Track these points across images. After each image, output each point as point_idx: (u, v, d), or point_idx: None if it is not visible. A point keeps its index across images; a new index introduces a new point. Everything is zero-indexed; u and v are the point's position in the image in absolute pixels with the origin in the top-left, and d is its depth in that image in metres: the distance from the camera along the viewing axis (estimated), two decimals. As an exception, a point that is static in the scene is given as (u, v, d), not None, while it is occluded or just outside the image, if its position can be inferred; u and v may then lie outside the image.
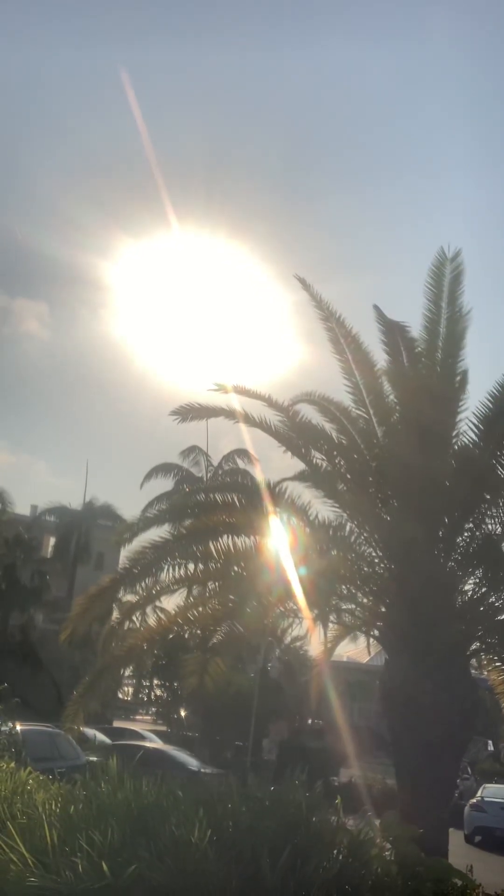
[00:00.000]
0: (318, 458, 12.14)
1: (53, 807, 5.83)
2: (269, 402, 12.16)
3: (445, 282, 12.01)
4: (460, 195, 78.54)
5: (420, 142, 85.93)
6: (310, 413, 12.37)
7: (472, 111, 74.83)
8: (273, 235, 78.12)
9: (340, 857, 5.35)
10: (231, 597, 11.00)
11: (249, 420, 12.11)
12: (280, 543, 11.25)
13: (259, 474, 13.69)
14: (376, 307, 11.89)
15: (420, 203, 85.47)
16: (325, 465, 12.12)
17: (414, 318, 12.24)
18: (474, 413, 11.53)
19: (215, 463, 37.00)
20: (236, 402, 12.28)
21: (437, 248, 12.09)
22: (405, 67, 73.70)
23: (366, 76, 70.70)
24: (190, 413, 12.57)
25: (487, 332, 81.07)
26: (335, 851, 5.38)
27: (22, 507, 46.09)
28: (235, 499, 12.08)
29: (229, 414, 12.31)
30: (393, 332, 11.75)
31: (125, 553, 12.52)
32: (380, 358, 12.11)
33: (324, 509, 12.08)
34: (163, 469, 36.58)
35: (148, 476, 36.15)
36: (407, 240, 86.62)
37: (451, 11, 65.45)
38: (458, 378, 11.91)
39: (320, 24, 69.77)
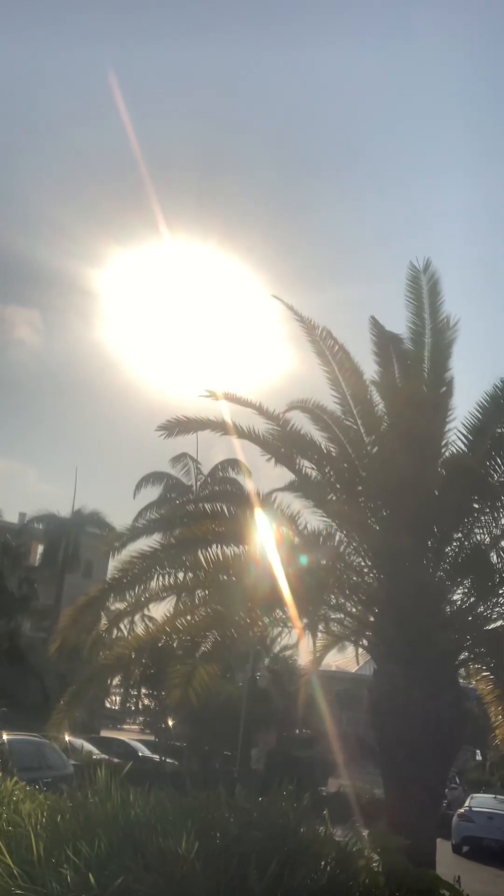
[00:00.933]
0: (307, 467, 12.14)
1: (40, 817, 5.78)
2: (260, 409, 12.13)
3: (424, 293, 12.15)
4: (458, 197, 78.75)
5: (414, 147, 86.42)
6: (302, 421, 12.34)
7: (467, 117, 75.22)
8: (265, 243, 78.25)
9: (328, 869, 5.34)
10: (219, 606, 10.96)
11: (238, 432, 12.04)
12: (269, 553, 11.23)
13: (249, 484, 13.65)
14: (373, 319, 11.95)
15: (414, 209, 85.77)
16: (314, 474, 12.12)
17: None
18: (463, 423, 11.61)
19: (206, 470, 37.14)
20: (227, 410, 12.20)
21: (416, 261, 12.22)
22: (399, 72, 74.23)
23: (360, 81, 71.05)
24: (176, 427, 12.34)
25: (486, 340, 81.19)
26: (323, 862, 5.36)
27: (10, 515, 46.06)
28: (224, 508, 12.06)
29: (217, 426, 12.16)
30: (387, 343, 11.80)
31: (114, 563, 12.44)
32: (368, 368, 12.16)
33: (313, 519, 12.09)
34: (153, 478, 36.80)
35: (139, 486, 36.42)
36: (401, 246, 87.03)
37: (446, 16, 65.98)
38: (444, 388, 11.98)
39: (314, 30, 70.15)
